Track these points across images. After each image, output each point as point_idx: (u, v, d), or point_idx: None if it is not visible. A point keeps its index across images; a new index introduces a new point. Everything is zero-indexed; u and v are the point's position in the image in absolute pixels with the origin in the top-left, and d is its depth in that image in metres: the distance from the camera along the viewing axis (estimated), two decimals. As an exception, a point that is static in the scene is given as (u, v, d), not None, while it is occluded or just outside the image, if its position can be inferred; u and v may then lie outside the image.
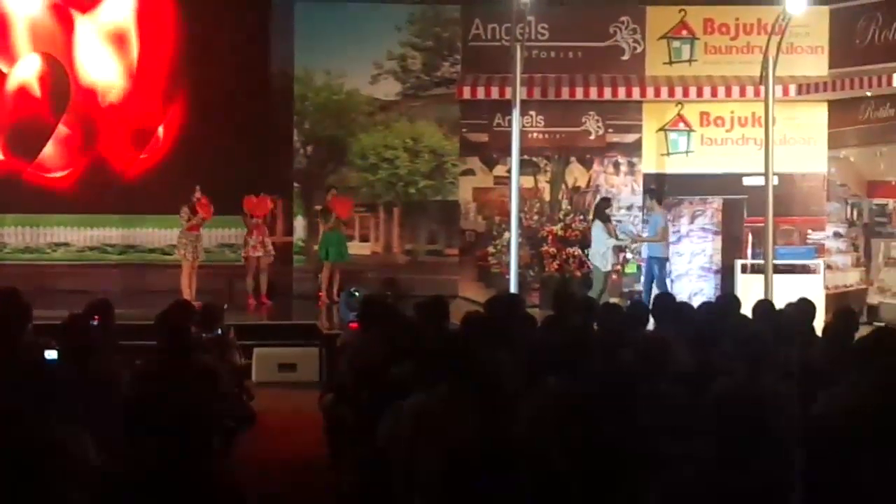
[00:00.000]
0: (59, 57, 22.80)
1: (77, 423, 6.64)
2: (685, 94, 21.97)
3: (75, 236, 23.18)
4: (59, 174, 22.92)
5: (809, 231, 22.30)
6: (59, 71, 22.77)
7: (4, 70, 22.77)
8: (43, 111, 22.79)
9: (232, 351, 12.86)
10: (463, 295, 21.23)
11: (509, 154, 19.84)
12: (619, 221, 21.79)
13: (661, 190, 21.65)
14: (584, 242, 21.32)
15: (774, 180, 20.07)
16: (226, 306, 14.26)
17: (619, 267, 21.80)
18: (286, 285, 22.30)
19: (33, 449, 5.77)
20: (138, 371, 9.12)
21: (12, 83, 22.69)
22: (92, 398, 7.90)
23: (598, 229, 20.39)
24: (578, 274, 21.49)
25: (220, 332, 12.38)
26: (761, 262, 20.37)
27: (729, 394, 6.13)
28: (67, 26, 22.76)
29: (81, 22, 22.82)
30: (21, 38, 22.72)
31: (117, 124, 22.94)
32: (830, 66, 22.02)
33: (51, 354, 8.61)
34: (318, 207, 21.73)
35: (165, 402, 6.13)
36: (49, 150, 22.79)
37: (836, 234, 22.37)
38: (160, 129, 23.02)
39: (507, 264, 20.03)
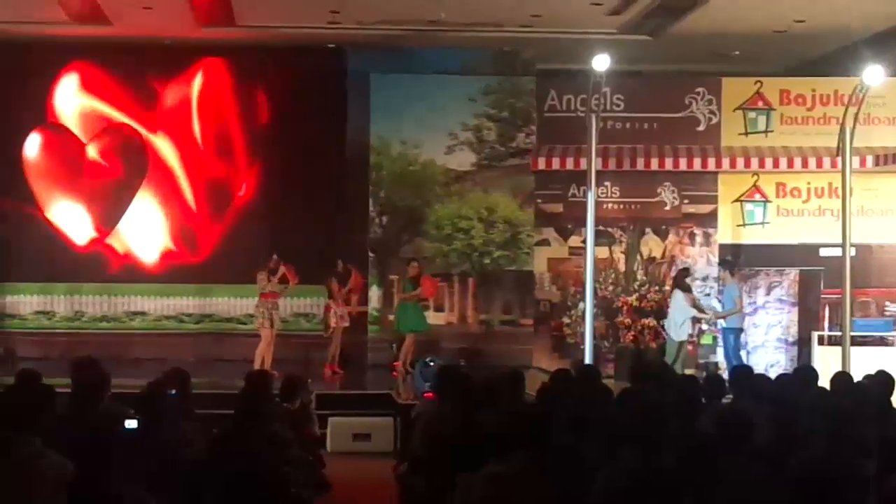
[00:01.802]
0: (137, 127, 23.00)
1: (152, 492, 6.68)
2: (761, 164, 21.89)
3: (152, 305, 23.31)
4: (137, 245, 23.09)
5: (887, 303, 22.09)
6: (136, 141, 22.97)
7: (83, 140, 23.01)
8: (121, 182, 22.98)
9: (311, 421, 12.92)
10: (537, 365, 21.15)
11: (584, 225, 19.76)
12: (707, 295, 21.74)
13: (735, 261, 21.53)
14: (660, 313, 21.28)
15: (852, 251, 19.89)
16: (310, 380, 14.31)
17: (694, 338, 21.69)
18: (361, 355, 22.22)
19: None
20: (212, 438, 9.17)
21: (91, 154, 22.91)
22: (168, 467, 7.96)
23: (678, 299, 20.30)
24: (654, 345, 21.40)
25: (301, 402, 12.45)
26: (838, 333, 20.16)
27: (809, 469, 6.06)
28: (147, 97, 23.00)
29: (162, 93, 23.04)
30: (99, 109, 22.99)
31: (194, 195, 23.11)
32: (908, 137, 21.92)
33: (130, 423, 8.68)
34: (396, 277, 21.77)
35: (233, 469, 6.17)
36: (126, 220, 22.98)
37: (915, 306, 22.16)
38: (237, 200, 23.15)
39: (582, 335, 19.94)
